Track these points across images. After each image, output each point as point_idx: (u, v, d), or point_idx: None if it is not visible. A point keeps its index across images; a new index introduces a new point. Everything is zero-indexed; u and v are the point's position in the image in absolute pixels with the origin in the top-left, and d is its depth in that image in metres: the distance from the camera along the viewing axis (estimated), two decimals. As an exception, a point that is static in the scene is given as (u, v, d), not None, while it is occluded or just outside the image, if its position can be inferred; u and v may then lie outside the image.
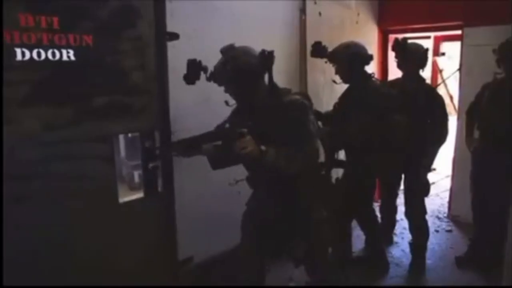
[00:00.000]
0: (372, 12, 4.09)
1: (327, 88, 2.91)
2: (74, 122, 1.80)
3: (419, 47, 3.00)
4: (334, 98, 2.81)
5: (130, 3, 1.92)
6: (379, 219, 3.53)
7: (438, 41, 5.98)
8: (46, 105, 1.71)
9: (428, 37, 5.35)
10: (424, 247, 3.12)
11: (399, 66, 3.04)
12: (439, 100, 2.97)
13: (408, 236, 3.33)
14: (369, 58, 2.69)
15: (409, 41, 3.64)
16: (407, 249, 3.26)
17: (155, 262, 2.20)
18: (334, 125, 2.70)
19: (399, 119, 2.64)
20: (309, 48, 3.04)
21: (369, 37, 4.05)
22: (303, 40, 3.14)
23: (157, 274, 2.21)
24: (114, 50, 1.89)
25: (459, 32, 3.79)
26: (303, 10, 3.15)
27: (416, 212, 3.05)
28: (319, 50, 2.71)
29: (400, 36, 3.86)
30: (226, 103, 2.03)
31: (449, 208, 4.12)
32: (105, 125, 1.91)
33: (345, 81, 2.73)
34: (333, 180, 2.46)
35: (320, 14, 3.27)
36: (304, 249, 2.03)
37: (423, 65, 2.99)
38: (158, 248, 2.22)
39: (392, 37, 4.14)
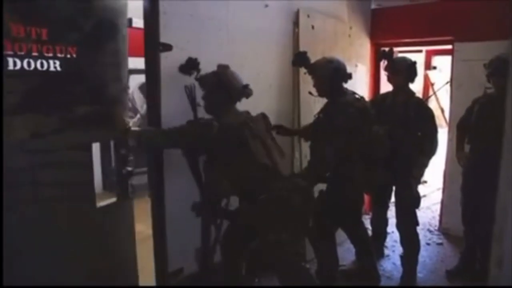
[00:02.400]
0: (364, 26, 4.14)
1: (320, 101, 2.92)
2: (58, 131, 1.84)
3: (407, 60, 3.04)
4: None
5: (109, 18, 2.03)
6: (370, 232, 3.53)
7: (429, 55, 6.07)
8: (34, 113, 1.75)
9: (420, 51, 5.43)
10: (415, 260, 3.11)
11: (389, 79, 3.08)
12: (429, 113, 3.00)
13: (399, 249, 3.33)
14: (349, 76, 2.70)
15: (400, 54, 3.72)
16: (398, 262, 3.25)
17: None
18: (313, 142, 2.74)
19: (377, 130, 2.67)
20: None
21: (361, 51, 4.09)
22: (296, 52, 3.15)
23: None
24: (96, 62, 1.99)
25: (450, 46, 3.84)
26: (296, 23, 3.18)
27: (407, 225, 3.05)
28: (302, 59, 2.72)
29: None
30: (310, 93, 2.50)
31: (440, 221, 4.13)
32: (86, 133, 1.98)
33: (320, 95, 2.75)
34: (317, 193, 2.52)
35: (313, 27, 3.29)
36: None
37: (412, 78, 3.02)
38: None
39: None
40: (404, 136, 2.91)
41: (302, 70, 2.83)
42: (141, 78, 4.88)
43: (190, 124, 2.16)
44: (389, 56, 3.00)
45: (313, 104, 3.09)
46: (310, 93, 2.81)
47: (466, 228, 3.10)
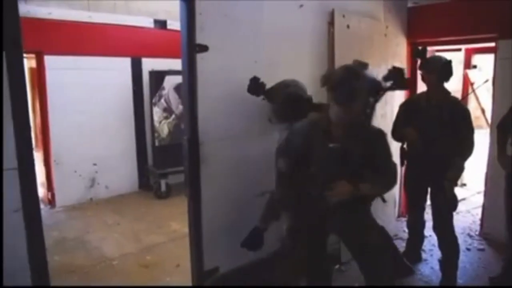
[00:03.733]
0: (401, 25, 4.05)
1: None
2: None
3: (442, 58, 2.95)
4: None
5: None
6: (407, 234, 3.46)
7: (469, 53, 5.86)
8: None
9: (459, 50, 5.25)
10: (454, 266, 3.01)
11: (423, 78, 3.00)
12: (464, 113, 2.89)
13: (437, 253, 3.23)
14: (306, 101, 2.45)
15: (438, 53, 3.61)
16: (437, 267, 3.16)
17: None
18: None
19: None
20: (337, 62, 3.04)
21: (397, 50, 4.00)
22: (331, 53, 3.12)
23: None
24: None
25: (491, 44, 3.70)
26: (331, 23, 3.14)
27: (444, 228, 2.96)
28: (256, 86, 2.47)
29: (430, 48, 3.82)
30: (270, 120, 2.43)
31: (481, 225, 3.98)
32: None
33: (279, 121, 2.48)
34: None
35: (348, 26, 3.25)
36: None
37: (446, 77, 2.93)
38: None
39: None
40: (439, 137, 2.83)
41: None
42: (176, 79, 5.01)
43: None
44: (422, 54, 2.92)
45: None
46: (269, 120, 2.55)
47: (510, 233, 2.97)
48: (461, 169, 2.88)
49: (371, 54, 3.50)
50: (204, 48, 2.27)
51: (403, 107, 3.20)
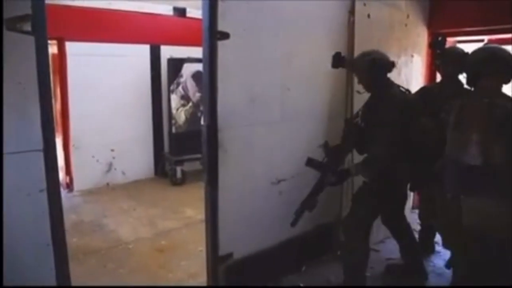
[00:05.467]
0: (422, 14, 3.98)
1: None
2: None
3: (458, 49, 2.92)
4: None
5: None
6: (419, 226, 3.46)
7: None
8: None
9: (482, 41, 5.15)
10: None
11: (438, 69, 2.97)
12: None
13: (451, 246, 3.21)
14: (390, 65, 2.61)
15: (458, 44, 3.55)
16: (450, 259, 3.14)
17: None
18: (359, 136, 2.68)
19: (425, 122, 2.57)
20: (357, 50, 3.03)
21: (418, 40, 3.95)
22: (351, 41, 3.10)
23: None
24: None
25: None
26: (351, 12, 3.11)
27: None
28: (339, 60, 2.73)
29: (452, 39, 3.76)
30: (358, 92, 2.68)
31: None
32: None
33: (367, 90, 2.67)
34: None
35: (369, 16, 3.22)
36: None
37: (461, 69, 2.89)
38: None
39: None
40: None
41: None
42: (194, 67, 5.03)
43: None
44: (440, 44, 2.89)
45: (367, 94, 3.03)
46: (358, 91, 2.77)
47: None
48: None
49: (391, 44, 3.47)
50: (225, 36, 2.28)
51: (415, 95, 3.19)
